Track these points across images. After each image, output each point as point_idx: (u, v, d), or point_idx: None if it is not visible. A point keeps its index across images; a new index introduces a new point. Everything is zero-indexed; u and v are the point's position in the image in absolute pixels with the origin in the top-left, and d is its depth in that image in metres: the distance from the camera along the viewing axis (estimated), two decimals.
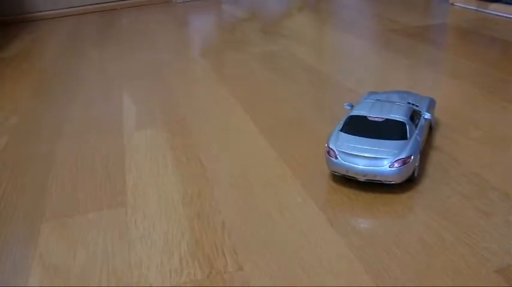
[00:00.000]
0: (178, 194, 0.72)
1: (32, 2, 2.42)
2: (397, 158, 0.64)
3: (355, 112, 0.73)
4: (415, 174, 0.68)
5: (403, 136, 0.67)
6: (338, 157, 0.67)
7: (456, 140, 0.80)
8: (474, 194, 0.65)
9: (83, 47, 1.74)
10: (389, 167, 0.64)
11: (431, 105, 0.81)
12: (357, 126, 0.70)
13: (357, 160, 0.66)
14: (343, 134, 0.70)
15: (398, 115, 0.69)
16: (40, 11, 2.44)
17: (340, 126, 0.73)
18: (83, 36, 1.94)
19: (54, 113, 1.10)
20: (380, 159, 0.65)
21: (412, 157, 0.65)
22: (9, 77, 1.44)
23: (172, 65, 1.39)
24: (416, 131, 0.69)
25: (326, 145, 0.70)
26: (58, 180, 0.80)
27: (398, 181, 0.65)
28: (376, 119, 0.70)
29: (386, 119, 0.69)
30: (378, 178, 0.65)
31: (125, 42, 1.75)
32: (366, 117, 0.71)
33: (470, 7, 1.72)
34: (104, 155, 0.87)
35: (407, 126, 0.68)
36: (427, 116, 0.74)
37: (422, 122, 0.73)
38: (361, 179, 0.67)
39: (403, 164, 0.64)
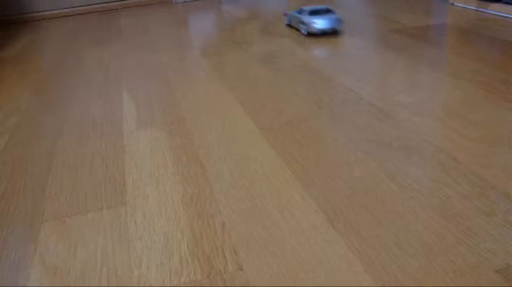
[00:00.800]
0: (178, 194, 0.72)
1: (32, 2, 2.42)
2: (338, 19, 1.52)
3: (308, 9, 1.54)
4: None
5: (334, 13, 1.54)
6: (313, 24, 1.50)
7: (456, 140, 0.80)
8: (474, 194, 0.65)
9: (82, 47, 1.74)
10: (337, 23, 1.52)
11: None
12: (314, 13, 1.53)
13: (322, 23, 1.50)
14: (310, 16, 1.52)
15: (325, 6, 1.55)
16: (40, 11, 2.44)
17: (306, 15, 1.53)
18: (82, 36, 1.94)
19: (54, 113, 1.10)
20: (333, 21, 1.51)
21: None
22: (9, 77, 1.44)
23: (172, 64, 1.39)
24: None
25: (304, 20, 1.54)
26: (58, 180, 0.80)
27: (339, 29, 1.58)
28: (319, 9, 1.54)
29: (323, 8, 1.54)
30: (333, 29, 1.52)
31: (124, 42, 1.75)
32: (315, 10, 1.54)
33: (470, 7, 1.72)
34: (104, 155, 0.87)
35: (332, 10, 1.56)
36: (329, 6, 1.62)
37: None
38: (320, 32, 1.53)
39: (341, 22, 1.59)
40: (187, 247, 0.60)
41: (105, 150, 0.89)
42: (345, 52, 1.36)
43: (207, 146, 0.86)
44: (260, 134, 0.89)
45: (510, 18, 1.55)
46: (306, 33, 1.54)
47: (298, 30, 1.64)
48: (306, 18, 1.51)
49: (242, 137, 0.89)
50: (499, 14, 1.60)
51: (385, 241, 0.58)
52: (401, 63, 1.21)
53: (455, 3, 1.80)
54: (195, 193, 0.72)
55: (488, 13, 1.63)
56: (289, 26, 1.71)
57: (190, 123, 0.97)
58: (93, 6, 2.49)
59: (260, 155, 0.81)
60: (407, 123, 0.88)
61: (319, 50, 1.40)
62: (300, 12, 1.57)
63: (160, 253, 0.60)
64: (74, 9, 2.47)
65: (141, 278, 0.56)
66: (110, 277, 0.57)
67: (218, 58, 1.41)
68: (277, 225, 0.63)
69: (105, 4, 2.51)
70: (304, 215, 0.64)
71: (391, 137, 0.83)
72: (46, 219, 0.69)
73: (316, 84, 1.12)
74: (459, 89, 1.01)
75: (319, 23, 1.49)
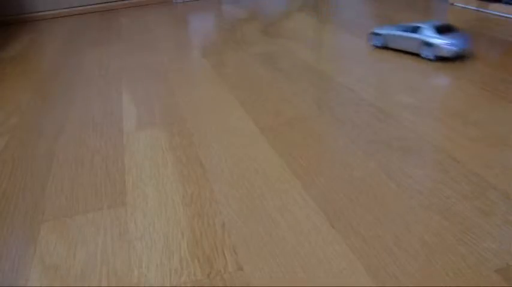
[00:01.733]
0: (178, 194, 0.72)
1: (32, 2, 2.42)
2: (467, 37, 1.19)
3: (429, 25, 1.19)
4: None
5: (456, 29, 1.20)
6: (447, 45, 1.16)
7: (456, 140, 0.80)
8: (474, 194, 0.65)
9: (82, 47, 1.74)
10: (468, 42, 1.18)
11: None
12: (439, 29, 1.18)
13: (457, 44, 1.16)
14: (440, 35, 1.17)
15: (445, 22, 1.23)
16: (40, 11, 2.44)
17: (432, 33, 1.18)
18: (82, 36, 1.94)
19: (54, 113, 1.10)
20: (465, 40, 1.17)
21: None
22: (10, 77, 1.44)
23: (172, 65, 1.39)
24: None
25: (430, 41, 1.18)
26: (58, 180, 0.80)
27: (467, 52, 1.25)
28: (444, 25, 1.19)
29: (446, 24, 1.20)
30: (465, 50, 1.18)
31: (125, 42, 1.75)
32: (441, 26, 1.19)
33: (470, 7, 1.72)
34: (104, 155, 0.87)
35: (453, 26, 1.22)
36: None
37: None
38: (455, 55, 1.17)
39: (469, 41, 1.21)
40: (187, 247, 0.60)
41: (105, 150, 0.89)
42: (345, 52, 1.36)
43: (207, 146, 0.86)
44: (260, 134, 0.89)
45: (510, 18, 1.55)
46: (433, 57, 1.18)
47: (408, 53, 1.27)
48: (433, 39, 1.16)
49: (242, 137, 0.89)
50: (499, 14, 1.60)
51: (385, 241, 0.58)
52: (401, 63, 1.21)
53: (455, 3, 1.80)
54: (195, 193, 0.72)
55: (488, 13, 1.63)
56: (384, 48, 1.34)
57: (190, 123, 0.97)
58: (93, 6, 2.49)
59: (260, 155, 0.81)
60: (407, 123, 0.88)
61: (317, 50, 1.40)
62: (415, 30, 1.22)
63: (160, 253, 0.60)
64: (73, 9, 2.47)
65: (141, 278, 0.56)
66: (110, 277, 0.57)
67: (218, 58, 1.41)
68: (277, 225, 0.63)
69: (105, 4, 2.51)
70: (304, 215, 0.64)
71: (391, 137, 0.83)
72: (46, 219, 0.69)
73: (316, 85, 1.12)
74: (459, 89, 1.01)
75: (454, 44, 1.14)
